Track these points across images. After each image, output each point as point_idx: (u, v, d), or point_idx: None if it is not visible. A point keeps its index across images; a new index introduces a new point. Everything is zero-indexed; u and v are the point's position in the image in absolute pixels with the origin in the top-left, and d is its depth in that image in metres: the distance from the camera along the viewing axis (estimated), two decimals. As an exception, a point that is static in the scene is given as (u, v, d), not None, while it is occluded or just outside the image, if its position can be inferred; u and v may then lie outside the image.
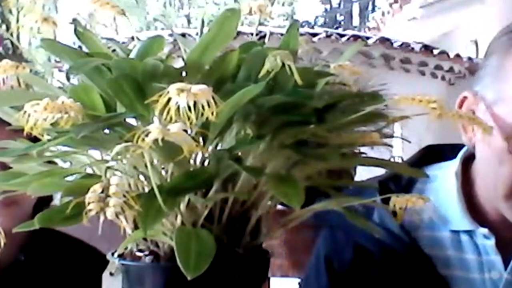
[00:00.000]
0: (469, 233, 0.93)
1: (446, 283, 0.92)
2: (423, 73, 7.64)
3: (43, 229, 0.58)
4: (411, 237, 0.94)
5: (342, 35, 6.86)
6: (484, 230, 0.92)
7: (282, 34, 0.67)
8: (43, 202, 1.20)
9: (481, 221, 0.94)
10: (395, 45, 6.95)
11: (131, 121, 0.63)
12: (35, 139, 0.61)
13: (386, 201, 0.67)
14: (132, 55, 0.65)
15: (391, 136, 0.71)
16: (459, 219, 0.93)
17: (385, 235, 0.89)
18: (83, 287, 1.30)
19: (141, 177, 0.65)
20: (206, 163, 0.64)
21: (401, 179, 0.98)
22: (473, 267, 0.93)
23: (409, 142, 0.89)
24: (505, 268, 0.92)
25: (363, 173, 1.12)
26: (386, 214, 0.91)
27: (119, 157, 0.58)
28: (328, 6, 19.85)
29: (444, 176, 0.98)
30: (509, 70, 0.88)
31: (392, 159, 0.87)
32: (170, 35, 1.05)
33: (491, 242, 0.92)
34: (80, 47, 0.68)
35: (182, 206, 0.63)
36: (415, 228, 0.95)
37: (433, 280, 0.93)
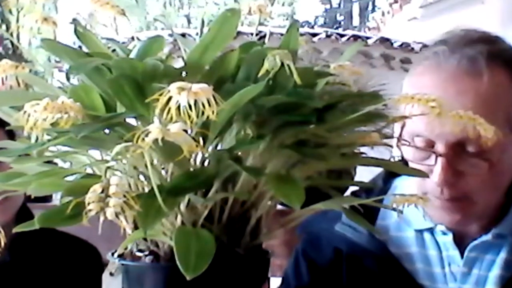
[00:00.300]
0: (431, 231, 0.99)
1: (411, 277, 0.99)
2: (423, 73, 7.59)
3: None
4: (382, 239, 1.01)
5: (342, 35, 6.84)
6: (442, 227, 0.98)
7: (282, 34, 0.67)
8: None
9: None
10: (395, 45, 6.92)
11: (131, 121, 0.63)
12: None
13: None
14: (132, 55, 0.65)
15: (391, 136, 0.71)
16: (420, 219, 0.98)
17: (360, 237, 0.98)
18: (76, 283, 1.28)
19: (141, 177, 0.65)
20: (206, 163, 0.64)
21: (372, 192, 1.03)
22: (434, 262, 0.99)
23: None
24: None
25: (363, 173, 1.12)
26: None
27: (119, 157, 0.58)
28: (328, 6, 19.82)
29: (402, 184, 1.04)
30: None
31: (392, 159, 0.88)
32: (170, 35, 1.05)
33: (449, 238, 0.98)
34: (80, 47, 0.68)
35: (182, 206, 0.63)
36: (385, 231, 1.02)
37: (399, 274, 0.99)
